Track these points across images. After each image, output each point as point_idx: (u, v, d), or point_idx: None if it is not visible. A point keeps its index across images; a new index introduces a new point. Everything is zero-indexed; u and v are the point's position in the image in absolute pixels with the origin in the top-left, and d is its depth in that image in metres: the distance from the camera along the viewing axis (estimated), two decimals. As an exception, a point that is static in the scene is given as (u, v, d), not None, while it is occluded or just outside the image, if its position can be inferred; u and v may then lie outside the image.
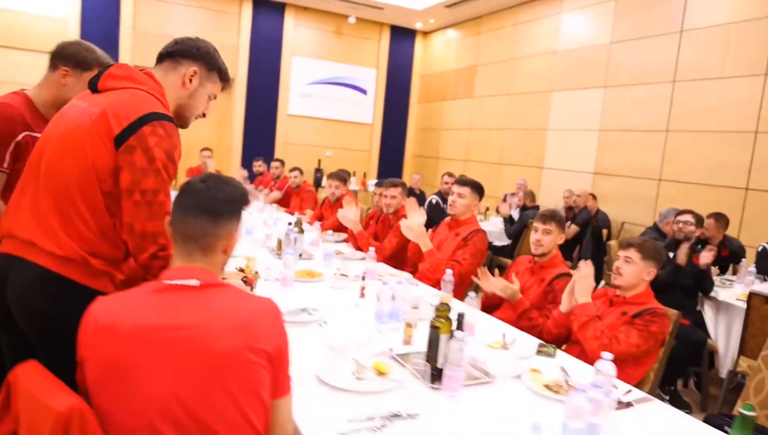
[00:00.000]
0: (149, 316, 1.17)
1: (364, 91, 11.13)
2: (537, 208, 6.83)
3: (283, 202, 6.39)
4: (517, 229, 5.50)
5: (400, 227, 3.33)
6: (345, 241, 4.10)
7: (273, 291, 2.48)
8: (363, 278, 2.77)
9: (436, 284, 2.94)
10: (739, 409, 1.22)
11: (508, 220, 5.79)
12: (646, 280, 2.41)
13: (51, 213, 1.44)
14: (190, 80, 1.69)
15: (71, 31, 9.22)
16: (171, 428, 1.14)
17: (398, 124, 11.52)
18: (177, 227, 1.28)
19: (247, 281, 1.89)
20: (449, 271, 2.50)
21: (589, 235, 6.08)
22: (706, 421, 1.91)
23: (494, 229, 6.17)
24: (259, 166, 7.86)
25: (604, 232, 6.35)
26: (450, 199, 3.38)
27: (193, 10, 9.99)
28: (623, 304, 2.42)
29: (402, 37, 11.29)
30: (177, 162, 1.55)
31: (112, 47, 9.47)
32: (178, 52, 1.69)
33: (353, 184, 10.10)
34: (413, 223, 3.23)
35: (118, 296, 1.24)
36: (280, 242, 3.29)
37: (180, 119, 1.73)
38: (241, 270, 2.12)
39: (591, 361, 2.06)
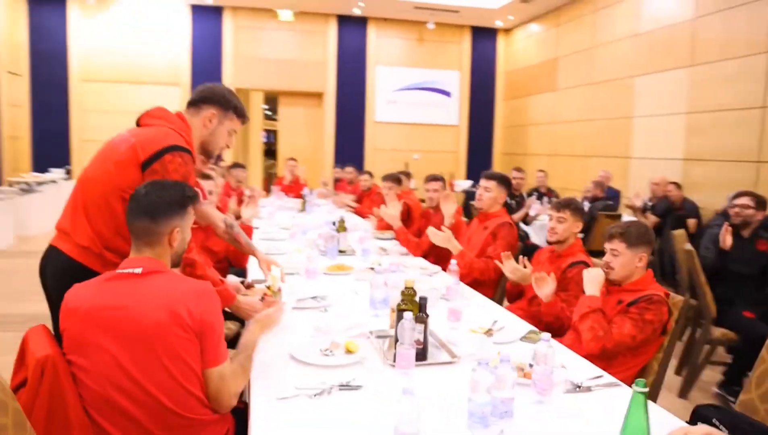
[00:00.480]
0: (99, 299, 1.49)
1: (448, 94, 11.35)
2: (605, 199, 6.66)
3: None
4: (586, 220, 5.40)
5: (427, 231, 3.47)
6: (396, 238, 4.38)
7: (299, 282, 2.83)
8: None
9: (472, 283, 3.13)
10: (633, 385, 1.24)
11: None
12: (639, 266, 2.35)
13: (82, 212, 1.91)
14: (210, 120, 2.09)
15: (183, 65, 10.39)
16: (123, 397, 1.44)
17: (484, 123, 11.60)
18: (129, 227, 1.61)
19: (264, 298, 2.22)
20: (453, 261, 2.69)
21: (669, 225, 5.82)
22: (694, 411, 1.81)
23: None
24: (338, 172, 8.29)
25: (692, 222, 6.04)
26: (477, 192, 3.56)
27: (284, 33, 10.82)
28: (619, 292, 2.37)
29: (483, 36, 11.38)
30: (192, 184, 1.91)
31: (216, 72, 10.54)
32: (199, 99, 2.10)
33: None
34: (446, 211, 3.48)
35: (86, 284, 1.56)
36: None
37: (205, 152, 2.16)
38: (268, 287, 2.38)
39: (583, 351, 2.17)
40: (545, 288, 2.61)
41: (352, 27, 10.94)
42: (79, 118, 10.50)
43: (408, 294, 1.94)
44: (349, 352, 1.89)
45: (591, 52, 8.72)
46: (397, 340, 1.78)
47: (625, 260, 2.34)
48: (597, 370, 1.87)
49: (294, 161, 7.49)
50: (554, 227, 2.89)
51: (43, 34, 10.25)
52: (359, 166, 11.07)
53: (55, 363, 1.44)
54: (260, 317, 1.89)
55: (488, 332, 2.21)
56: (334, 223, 3.70)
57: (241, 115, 2.18)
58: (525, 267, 2.88)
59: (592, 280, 2.39)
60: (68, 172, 9.79)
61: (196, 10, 10.42)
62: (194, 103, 2.10)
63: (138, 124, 2.03)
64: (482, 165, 11.62)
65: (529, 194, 7.05)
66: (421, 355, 1.84)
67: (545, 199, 6.21)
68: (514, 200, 6.03)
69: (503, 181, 3.49)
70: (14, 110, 9.89)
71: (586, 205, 6.06)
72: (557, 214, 2.90)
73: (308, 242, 3.87)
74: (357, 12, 10.57)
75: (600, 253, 5.33)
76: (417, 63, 11.25)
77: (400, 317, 1.81)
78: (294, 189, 6.89)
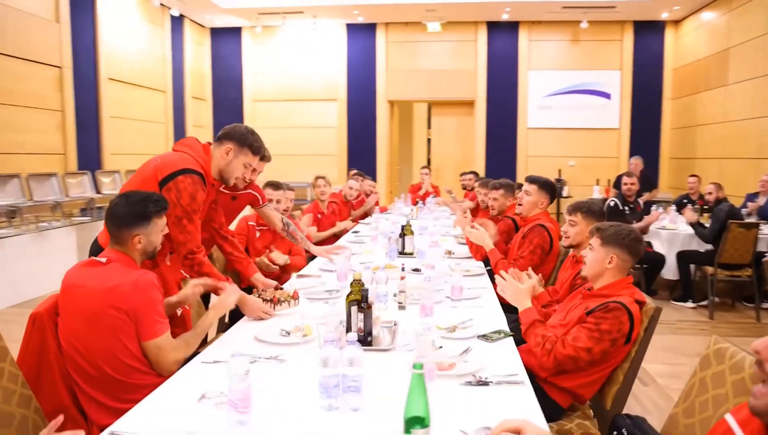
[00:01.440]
0: (74, 277, 1.99)
1: (607, 96, 11.19)
2: (725, 200, 6.32)
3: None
4: (715, 229, 5.22)
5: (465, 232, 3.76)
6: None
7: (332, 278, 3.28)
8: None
9: None
10: (412, 368, 1.34)
11: (697, 225, 5.49)
12: (608, 267, 2.25)
13: None
14: (227, 154, 2.59)
15: (340, 81, 11.69)
16: (79, 357, 1.92)
17: (649, 126, 11.20)
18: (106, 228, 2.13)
19: (272, 300, 2.65)
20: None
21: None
22: (611, 422, 1.96)
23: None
24: (465, 179, 8.56)
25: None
26: (518, 196, 3.75)
27: (434, 45, 11.58)
28: (590, 297, 2.28)
29: (648, 31, 11.03)
30: (199, 201, 2.46)
31: (371, 85, 11.68)
32: (222, 135, 2.65)
33: (597, 192, 10.34)
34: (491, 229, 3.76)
35: (76, 265, 2.05)
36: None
37: (223, 179, 2.67)
38: (276, 288, 2.81)
39: (537, 363, 2.21)
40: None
41: (502, 33, 11.33)
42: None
43: (356, 286, 2.23)
44: (305, 335, 2.23)
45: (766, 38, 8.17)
46: (348, 327, 2.15)
47: (596, 257, 2.28)
48: (515, 369, 1.95)
49: (427, 169, 8.11)
50: (566, 231, 2.98)
51: (222, 62, 12.22)
52: (511, 174, 11.42)
53: (42, 318, 1.99)
54: (214, 303, 2.36)
55: (452, 329, 2.35)
56: (402, 227, 4.20)
57: (257, 152, 2.64)
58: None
59: (514, 296, 2.41)
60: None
61: (351, 28, 11.63)
62: (218, 138, 2.64)
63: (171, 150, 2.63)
64: (647, 170, 11.28)
65: (679, 202, 6.91)
66: (363, 340, 2.12)
67: (690, 206, 6.08)
68: (627, 206, 5.99)
69: (545, 185, 3.58)
70: (198, 130, 11.89)
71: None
72: (569, 217, 2.99)
73: (385, 244, 4.38)
74: (505, 17, 11.00)
75: (732, 266, 5.25)
76: (572, 65, 11.27)
77: (348, 307, 2.18)
78: (425, 196, 7.58)
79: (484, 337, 2.28)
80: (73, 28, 7.94)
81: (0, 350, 1.82)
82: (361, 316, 2.16)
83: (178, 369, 1.98)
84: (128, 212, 2.06)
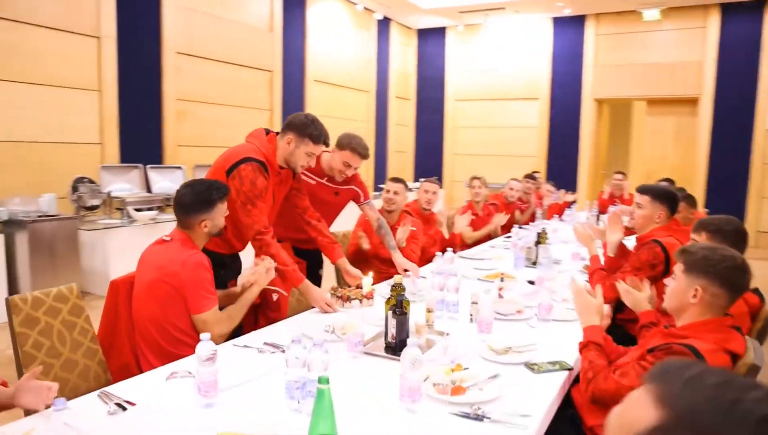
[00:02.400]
0: (145, 254, 2.29)
1: None
2: None
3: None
4: None
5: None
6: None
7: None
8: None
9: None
10: (317, 383, 1.29)
11: None
12: (692, 302, 1.79)
13: None
14: (288, 144, 2.72)
15: (543, 79, 11.27)
16: (144, 320, 2.20)
17: None
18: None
19: (342, 297, 2.68)
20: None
21: None
22: None
23: None
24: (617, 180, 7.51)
25: None
26: (630, 209, 3.23)
27: (650, 35, 10.45)
28: (668, 336, 1.84)
29: None
30: (260, 187, 2.59)
31: (576, 83, 11.04)
32: (285, 126, 2.76)
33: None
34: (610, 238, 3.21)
35: (152, 243, 2.33)
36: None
37: (290, 167, 2.79)
38: (358, 286, 2.84)
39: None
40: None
41: (741, 16, 9.85)
42: (451, 134, 12.49)
43: (394, 291, 2.17)
44: (343, 333, 2.23)
45: None
46: (385, 333, 2.11)
47: (677, 287, 1.85)
48: (534, 409, 1.69)
49: (621, 175, 7.36)
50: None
51: (427, 62, 12.60)
52: (742, 183, 9.90)
53: (118, 286, 2.29)
54: (256, 278, 2.42)
55: (503, 351, 2.12)
56: (537, 234, 3.88)
57: (317, 141, 2.73)
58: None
59: (581, 310, 2.07)
60: (438, 181, 11.75)
61: (557, 22, 11.08)
62: (282, 128, 2.78)
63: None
64: None
65: None
66: (391, 348, 2.04)
67: None
68: None
69: (660, 196, 3.01)
70: (401, 128, 12.45)
71: None
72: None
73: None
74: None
75: None
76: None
77: (386, 313, 2.12)
78: (607, 203, 6.90)
79: (531, 365, 2.03)
80: (285, 36, 8.89)
81: (77, 308, 2.17)
82: (393, 322, 2.09)
83: (225, 341, 2.18)
84: (194, 200, 2.28)
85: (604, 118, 11.69)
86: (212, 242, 2.62)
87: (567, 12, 10.66)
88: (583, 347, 1.99)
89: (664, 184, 3.70)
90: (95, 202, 5.52)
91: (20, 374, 1.95)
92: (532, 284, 3.21)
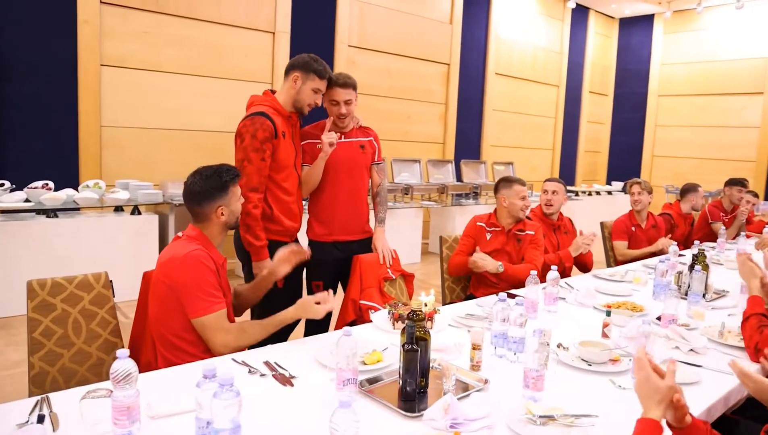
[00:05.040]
0: (162, 251, 2.03)
1: None
2: None
3: None
4: None
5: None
6: None
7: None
8: None
9: None
10: None
11: None
12: None
13: None
14: (295, 82, 2.62)
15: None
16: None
17: None
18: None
19: (394, 315, 2.19)
20: None
21: None
22: None
23: None
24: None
25: None
26: None
27: None
28: None
29: None
30: (260, 137, 2.47)
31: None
32: (288, 67, 2.66)
33: None
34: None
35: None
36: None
37: (297, 109, 2.67)
38: (406, 304, 2.31)
39: None
40: None
41: None
42: (652, 133, 10.93)
43: (410, 319, 1.62)
44: (363, 362, 1.82)
45: None
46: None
47: None
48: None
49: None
50: None
51: (629, 54, 11.15)
52: None
53: (148, 278, 2.07)
54: (299, 303, 2.03)
55: (546, 420, 1.49)
56: (694, 256, 2.89)
57: (322, 75, 2.63)
58: None
59: (646, 392, 1.29)
60: (625, 187, 10.34)
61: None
62: (286, 72, 2.66)
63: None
64: None
65: None
66: (402, 394, 1.61)
67: None
68: None
69: None
70: (594, 126, 11.21)
71: None
72: None
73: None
74: None
75: None
76: None
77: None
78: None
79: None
80: (465, 28, 8.43)
81: (101, 298, 2.06)
82: (402, 359, 1.62)
83: (230, 353, 1.90)
84: (205, 186, 2.01)
85: None
86: (270, 232, 2.60)
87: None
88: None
89: None
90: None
91: (30, 363, 1.88)
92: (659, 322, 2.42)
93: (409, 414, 1.52)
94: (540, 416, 1.52)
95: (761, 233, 5.01)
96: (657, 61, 10.67)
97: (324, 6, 6.83)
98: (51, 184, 4.70)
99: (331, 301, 2.06)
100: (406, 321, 1.63)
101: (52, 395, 1.51)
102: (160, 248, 5.00)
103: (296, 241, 2.71)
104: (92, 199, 4.70)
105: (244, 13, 6.14)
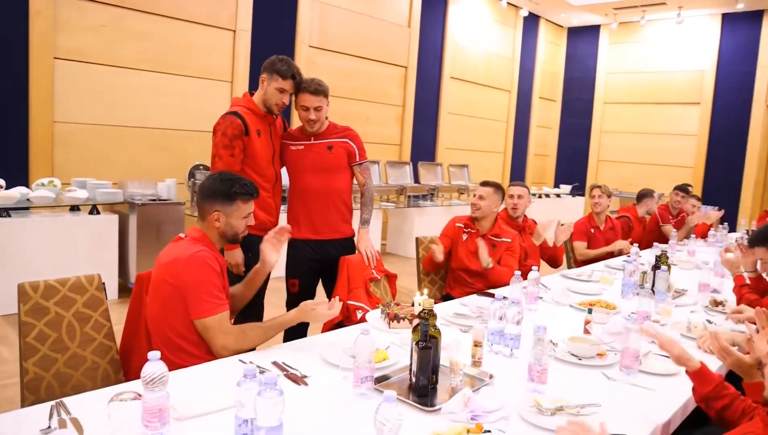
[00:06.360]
0: (162, 251, 2.02)
1: None
2: None
3: None
4: None
5: None
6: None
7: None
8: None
9: None
10: None
11: None
12: None
13: None
14: (263, 83, 2.76)
15: (707, 81, 9.84)
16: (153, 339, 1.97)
17: None
18: None
19: (389, 315, 2.25)
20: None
21: None
22: None
23: None
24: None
25: None
26: None
27: None
28: None
29: None
30: (230, 134, 2.63)
31: (747, 87, 9.49)
32: (261, 70, 2.78)
33: None
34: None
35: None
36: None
37: (267, 108, 2.79)
38: (398, 304, 2.38)
39: None
40: None
41: None
42: (598, 139, 11.39)
43: (422, 317, 1.68)
44: (376, 360, 1.82)
45: None
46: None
47: None
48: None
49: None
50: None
51: (577, 62, 11.59)
52: None
53: (142, 281, 2.09)
54: (301, 307, 2.04)
55: (553, 411, 1.59)
56: (656, 257, 3.12)
57: (284, 76, 2.72)
58: None
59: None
60: (575, 189, 10.76)
61: (727, 19, 9.58)
62: (260, 72, 2.80)
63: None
64: None
65: None
66: (414, 390, 1.67)
67: None
68: None
69: None
70: (543, 131, 11.60)
71: None
72: None
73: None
74: None
75: None
76: None
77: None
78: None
79: None
80: (422, 31, 8.56)
81: (94, 300, 2.01)
82: (415, 357, 1.67)
83: (229, 355, 1.89)
84: (213, 186, 2.04)
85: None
86: None
87: (740, 7, 9.16)
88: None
89: None
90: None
91: (23, 369, 1.82)
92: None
93: (426, 408, 1.57)
94: (550, 408, 1.61)
95: (706, 236, 5.34)
96: (603, 70, 11.15)
97: (285, 6, 6.80)
98: (2, 182, 4.49)
99: (336, 308, 2.07)
100: (420, 320, 1.68)
101: (66, 400, 1.48)
102: (121, 249, 4.86)
103: None
104: (48, 198, 4.51)
105: (205, 10, 6.04)
